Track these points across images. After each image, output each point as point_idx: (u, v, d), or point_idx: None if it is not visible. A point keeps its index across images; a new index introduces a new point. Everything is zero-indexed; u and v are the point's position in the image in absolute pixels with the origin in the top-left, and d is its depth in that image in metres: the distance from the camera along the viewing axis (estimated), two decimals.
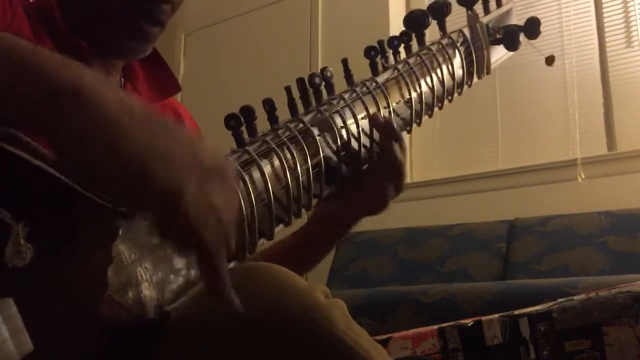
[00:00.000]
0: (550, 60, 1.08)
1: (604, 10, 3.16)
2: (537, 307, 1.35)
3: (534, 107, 3.22)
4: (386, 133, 0.80)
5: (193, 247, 0.47)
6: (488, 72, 1.01)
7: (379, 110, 0.81)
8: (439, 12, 0.93)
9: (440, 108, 0.93)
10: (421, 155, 3.51)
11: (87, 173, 0.46)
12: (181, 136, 0.49)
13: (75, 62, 0.48)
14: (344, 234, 0.90)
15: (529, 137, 3.24)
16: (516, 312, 1.34)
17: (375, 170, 0.82)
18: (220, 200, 0.49)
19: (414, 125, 0.88)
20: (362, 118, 0.79)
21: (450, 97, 0.94)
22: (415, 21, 0.90)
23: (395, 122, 0.82)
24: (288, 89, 0.74)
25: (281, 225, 0.69)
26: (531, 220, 2.85)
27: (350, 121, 0.77)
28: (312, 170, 0.71)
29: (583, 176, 2.90)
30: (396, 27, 3.56)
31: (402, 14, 3.78)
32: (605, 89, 3.10)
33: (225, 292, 0.49)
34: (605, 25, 3.15)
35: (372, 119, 0.80)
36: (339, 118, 0.76)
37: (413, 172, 3.53)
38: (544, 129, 3.22)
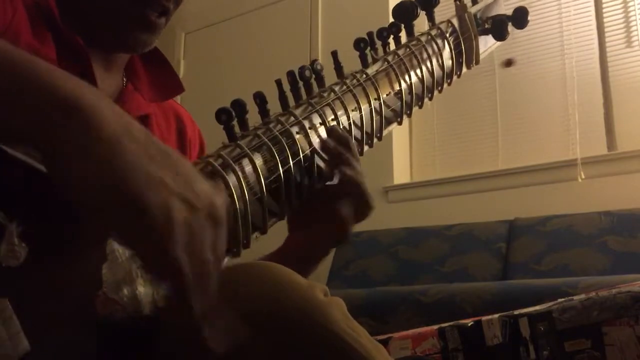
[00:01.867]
0: (508, 63, 1.10)
1: (604, 10, 3.16)
2: (537, 307, 1.35)
3: (534, 106, 3.22)
4: (337, 153, 0.76)
5: (172, 279, 0.46)
6: (477, 62, 1.01)
7: (369, 102, 0.81)
8: (428, 2, 0.93)
9: (430, 99, 0.93)
10: (421, 155, 3.52)
11: (79, 192, 0.44)
12: (181, 168, 0.48)
13: (77, 78, 0.47)
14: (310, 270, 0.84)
15: (529, 137, 3.24)
16: (516, 312, 1.34)
17: (335, 190, 0.78)
18: (208, 239, 0.48)
19: (405, 116, 0.88)
20: (352, 110, 0.79)
21: (440, 88, 0.94)
22: (404, 12, 0.90)
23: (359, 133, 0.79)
24: (279, 82, 0.74)
25: (274, 219, 0.69)
26: (531, 220, 2.85)
27: (341, 113, 0.77)
28: (304, 164, 0.71)
29: (583, 176, 2.90)
30: None
31: None
32: (605, 89, 3.10)
33: (192, 320, 0.47)
34: (605, 25, 3.15)
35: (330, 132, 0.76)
36: (330, 111, 0.76)
37: (413, 172, 3.54)
38: (544, 129, 3.22)
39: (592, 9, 3.17)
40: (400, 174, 3.44)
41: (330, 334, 0.54)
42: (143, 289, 0.52)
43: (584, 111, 3.09)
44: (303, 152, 0.71)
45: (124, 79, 0.87)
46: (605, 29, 3.14)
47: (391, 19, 0.91)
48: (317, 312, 0.54)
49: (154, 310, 0.53)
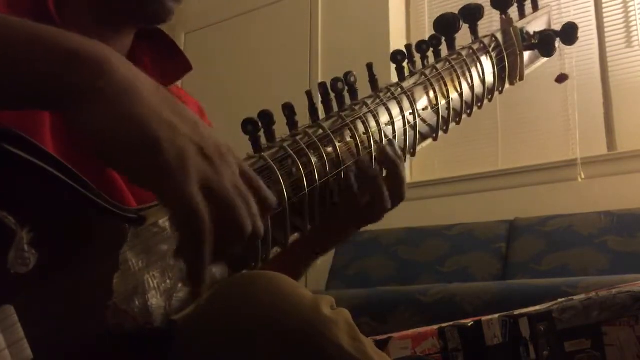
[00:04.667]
0: (562, 79, 1.06)
1: (604, 10, 3.16)
2: (537, 307, 1.35)
3: (534, 107, 3.22)
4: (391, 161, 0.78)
5: (187, 224, 0.47)
6: (521, 79, 0.97)
7: (403, 117, 0.78)
8: (471, 15, 0.90)
9: (469, 115, 0.89)
10: (421, 155, 3.50)
11: (95, 137, 0.46)
12: (188, 115, 0.50)
13: (76, 34, 0.48)
14: (332, 247, 0.88)
15: (529, 137, 3.24)
16: (516, 312, 1.34)
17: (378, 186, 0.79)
18: (225, 176, 0.49)
19: (441, 132, 0.84)
20: (385, 124, 0.76)
21: (480, 104, 0.90)
22: (445, 25, 0.87)
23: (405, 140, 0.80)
24: (309, 94, 0.71)
25: (296, 234, 0.67)
26: (531, 220, 2.85)
27: (373, 127, 0.74)
28: (330, 178, 0.69)
29: (583, 176, 2.90)
30: (396, 26, 3.56)
31: (402, 13, 3.78)
32: (605, 89, 3.10)
33: (199, 281, 0.48)
34: (605, 25, 3.15)
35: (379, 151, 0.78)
36: (361, 125, 0.73)
37: (413, 172, 3.53)
38: (544, 129, 3.22)
39: (592, 9, 3.17)
40: None
41: (336, 348, 0.53)
42: (155, 301, 0.51)
43: (584, 111, 3.09)
44: (330, 166, 0.69)
45: None
46: (605, 29, 3.14)
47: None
48: (321, 325, 0.53)
49: (166, 323, 0.52)
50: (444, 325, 1.42)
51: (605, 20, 3.15)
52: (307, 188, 0.66)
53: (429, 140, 0.84)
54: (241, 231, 0.49)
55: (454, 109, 0.85)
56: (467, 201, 3.18)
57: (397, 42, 3.38)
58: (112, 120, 0.45)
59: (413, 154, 0.82)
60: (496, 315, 1.35)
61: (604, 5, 3.16)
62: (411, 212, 3.25)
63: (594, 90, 3.10)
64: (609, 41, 3.13)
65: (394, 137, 0.77)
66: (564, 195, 2.94)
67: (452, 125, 0.87)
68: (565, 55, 3.15)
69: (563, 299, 1.33)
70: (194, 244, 0.47)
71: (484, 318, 1.37)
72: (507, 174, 3.16)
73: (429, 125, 0.83)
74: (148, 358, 0.51)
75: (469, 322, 1.39)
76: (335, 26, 3.74)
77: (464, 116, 0.88)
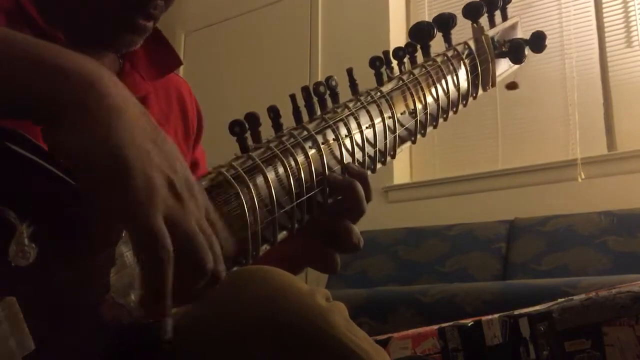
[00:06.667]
0: (511, 86, 1.09)
1: (604, 10, 3.16)
2: (537, 307, 1.35)
3: (534, 107, 3.22)
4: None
5: (149, 255, 0.46)
6: (493, 85, 1.01)
7: (383, 120, 0.80)
8: (445, 24, 0.93)
9: (445, 119, 0.92)
10: (421, 155, 3.52)
11: (70, 155, 0.46)
12: (166, 145, 0.50)
13: (75, 52, 0.49)
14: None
15: (529, 137, 3.24)
16: (516, 312, 1.34)
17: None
18: (191, 215, 0.49)
19: (419, 135, 0.87)
20: (366, 127, 0.78)
21: (455, 109, 0.94)
22: (420, 33, 0.90)
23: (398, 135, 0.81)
24: (293, 97, 0.73)
25: (284, 232, 0.68)
26: (531, 220, 2.85)
27: (355, 129, 0.77)
28: (316, 178, 0.71)
29: (583, 176, 2.90)
30: (396, 27, 3.56)
31: (402, 13, 3.78)
32: (605, 89, 3.10)
33: (163, 313, 0.48)
34: (605, 25, 3.15)
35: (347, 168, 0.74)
36: (343, 127, 0.76)
37: (413, 172, 3.54)
38: (544, 129, 3.22)
39: (592, 9, 3.17)
40: (400, 174, 3.44)
41: (331, 339, 0.54)
42: None
43: (584, 111, 3.09)
44: (315, 167, 0.71)
45: (120, 60, 0.86)
46: (605, 29, 3.15)
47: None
48: (318, 317, 0.54)
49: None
50: (444, 325, 1.42)
51: (605, 20, 3.15)
52: (294, 187, 0.67)
53: (408, 143, 0.87)
54: (201, 269, 0.48)
55: (430, 114, 0.88)
56: (467, 201, 3.18)
57: (397, 42, 3.38)
58: (90, 141, 0.46)
59: (393, 157, 0.84)
60: (496, 315, 1.35)
61: (604, 5, 3.16)
62: (411, 212, 3.27)
63: (594, 90, 3.10)
64: (609, 41, 3.13)
65: (375, 140, 0.79)
66: (564, 195, 2.94)
67: (430, 129, 0.90)
68: (565, 56, 3.16)
69: (563, 299, 1.33)
70: (157, 271, 0.46)
71: (484, 318, 1.37)
72: (507, 174, 3.16)
73: (407, 129, 0.85)
74: (144, 352, 0.52)
75: (469, 322, 1.40)
76: (335, 26, 3.74)
77: (441, 120, 0.91)
